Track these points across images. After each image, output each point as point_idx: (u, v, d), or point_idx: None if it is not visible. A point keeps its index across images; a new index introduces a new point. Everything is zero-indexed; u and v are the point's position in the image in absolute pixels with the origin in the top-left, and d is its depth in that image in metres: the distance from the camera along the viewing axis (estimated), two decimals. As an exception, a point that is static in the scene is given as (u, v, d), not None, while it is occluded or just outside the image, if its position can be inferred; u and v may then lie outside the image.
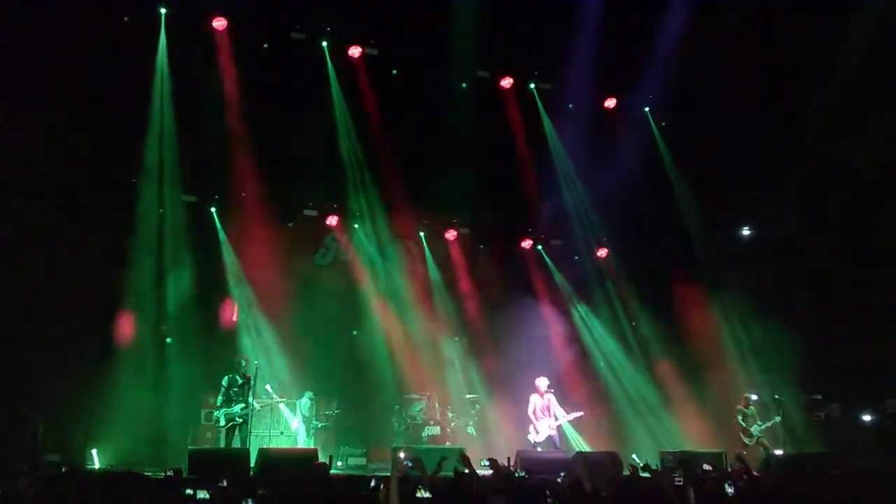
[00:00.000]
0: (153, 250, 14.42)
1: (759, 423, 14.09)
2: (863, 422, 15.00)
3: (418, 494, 5.56)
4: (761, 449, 13.99)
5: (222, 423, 12.40)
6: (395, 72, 16.30)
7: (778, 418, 14.31)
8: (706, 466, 10.93)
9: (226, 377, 12.75)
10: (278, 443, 14.21)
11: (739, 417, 14.23)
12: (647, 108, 18.12)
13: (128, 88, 14.09)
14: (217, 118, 14.53)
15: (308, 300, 15.64)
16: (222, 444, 12.43)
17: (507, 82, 17.28)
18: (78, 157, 13.20)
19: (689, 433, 16.45)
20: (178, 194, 15.02)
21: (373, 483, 6.67)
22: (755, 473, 9.73)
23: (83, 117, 13.21)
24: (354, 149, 16.21)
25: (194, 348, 14.63)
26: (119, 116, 13.82)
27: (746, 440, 14.05)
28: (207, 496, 6.53)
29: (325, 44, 15.82)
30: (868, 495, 6.41)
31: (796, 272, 16.10)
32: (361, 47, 16.00)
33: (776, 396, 14.85)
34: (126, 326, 14.06)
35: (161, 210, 14.82)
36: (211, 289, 15.13)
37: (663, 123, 18.16)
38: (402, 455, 6.37)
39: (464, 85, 16.80)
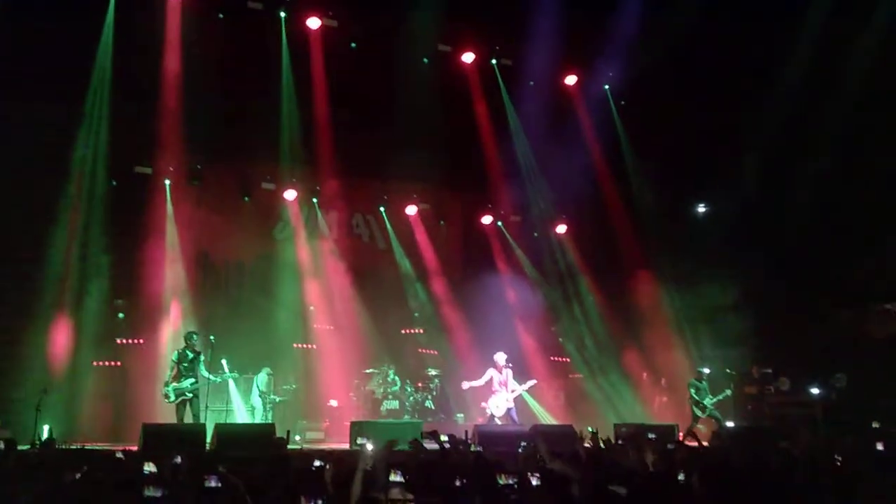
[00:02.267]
0: (101, 222, 14.09)
1: (711, 396, 14.41)
2: (811, 395, 15.42)
3: (392, 478, 5.52)
4: (713, 421, 14.32)
5: (172, 398, 12.22)
6: (353, 45, 16.04)
7: (729, 391, 14.65)
8: (650, 435, 11.13)
9: (175, 352, 12.57)
10: (234, 418, 14.12)
11: (692, 391, 14.52)
12: (606, 86, 18.20)
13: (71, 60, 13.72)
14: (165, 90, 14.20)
15: (265, 275, 15.52)
16: (174, 420, 12.27)
17: (468, 57, 17.17)
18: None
19: (644, 407, 16.81)
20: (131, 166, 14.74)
21: (316, 463, 6.58)
22: (704, 443, 9.99)
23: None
24: (310, 121, 15.92)
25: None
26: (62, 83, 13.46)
27: (699, 412, 14.36)
28: (155, 469, 6.46)
29: (283, 14, 15.49)
30: (814, 468, 6.59)
31: (750, 250, 16.43)
32: (320, 18, 15.71)
33: (727, 370, 15.20)
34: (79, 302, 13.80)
35: (113, 182, 14.52)
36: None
37: (622, 102, 18.28)
38: (369, 447, 6.31)
39: (425, 59, 16.64)
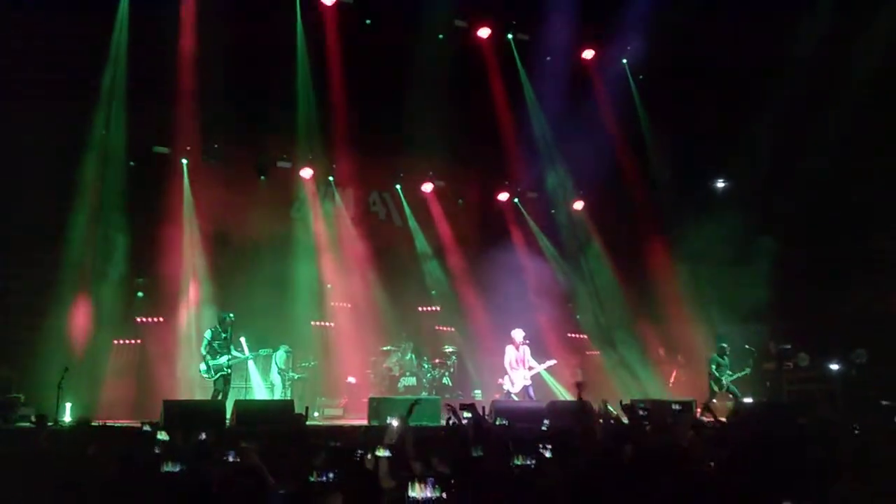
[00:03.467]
0: (120, 205, 14.20)
1: (731, 372, 14.34)
2: (830, 371, 15.32)
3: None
4: (730, 397, 14.26)
5: (211, 374, 12.61)
6: (368, 21, 15.93)
7: (749, 369, 14.57)
8: (675, 406, 11.11)
9: (209, 330, 12.90)
10: (252, 396, 14.28)
11: (713, 366, 14.45)
12: (624, 60, 17.99)
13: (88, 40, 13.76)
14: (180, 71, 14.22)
15: (282, 253, 15.59)
16: (205, 397, 12.67)
17: (484, 32, 17.01)
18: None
19: (662, 383, 16.79)
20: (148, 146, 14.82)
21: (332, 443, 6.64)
22: (722, 419, 9.95)
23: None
24: (326, 99, 15.87)
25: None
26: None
27: (716, 388, 14.32)
28: (168, 439, 6.57)
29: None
30: (834, 444, 6.55)
31: (769, 224, 16.29)
32: (336, -5, 15.60)
33: (746, 346, 15.13)
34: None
35: (131, 163, 14.61)
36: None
37: (640, 76, 18.07)
38: (395, 424, 6.35)
39: (441, 36, 16.50)
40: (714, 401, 14.09)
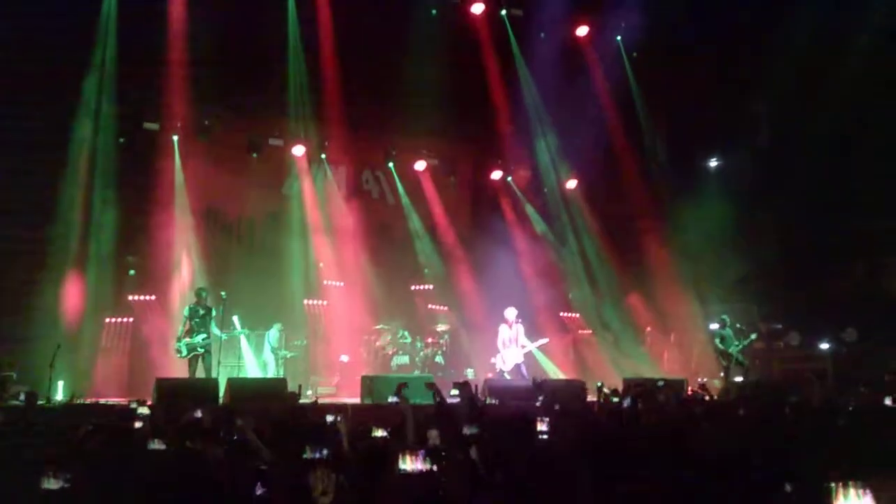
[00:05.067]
0: (111, 182, 14.07)
1: (737, 342, 14.35)
2: (821, 350, 15.40)
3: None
4: (738, 367, 14.28)
5: (184, 353, 12.29)
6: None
7: (755, 336, 14.57)
8: (659, 383, 11.14)
9: (187, 307, 12.61)
10: (245, 374, 14.26)
11: (717, 340, 14.48)
12: (619, 38, 17.87)
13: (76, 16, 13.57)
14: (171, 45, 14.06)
15: (274, 231, 15.52)
16: (186, 375, 12.37)
17: (477, 8, 16.85)
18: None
19: (654, 362, 16.86)
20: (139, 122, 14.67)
21: (329, 418, 6.64)
22: (714, 397, 10.02)
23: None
24: (318, 76, 15.72)
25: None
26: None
27: (724, 362, 14.34)
28: (147, 412, 6.57)
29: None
30: (823, 421, 6.60)
31: (762, 203, 16.29)
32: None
33: (738, 325, 15.16)
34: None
35: (121, 139, 14.46)
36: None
37: (634, 54, 17.97)
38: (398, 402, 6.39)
39: (433, 11, 16.34)
40: (720, 376, 14.16)
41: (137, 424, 7.11)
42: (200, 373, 12.30)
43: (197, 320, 12.34)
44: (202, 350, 12.32)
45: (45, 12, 12.96)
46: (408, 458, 4.55)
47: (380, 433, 5.64)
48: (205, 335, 12.34)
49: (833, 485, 3.68)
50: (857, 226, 15.73)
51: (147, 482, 4.42)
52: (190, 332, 12.32)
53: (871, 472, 3.72)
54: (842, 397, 10.20)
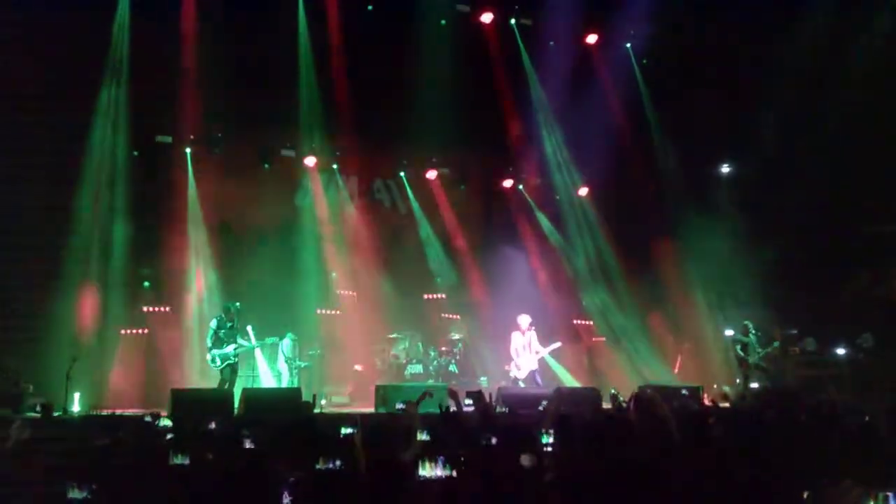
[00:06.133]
0: (124, 191, 14.19)
1: (760, 349, 14.26)
2: (837, 356, 15.28)
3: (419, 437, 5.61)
4: (762, 374, 14.16)
5: (218, 363, 12.57)
6: (370, 7, 15.83)
7: (777, 342, 14.47)
8: (683, 391, 11.08)
9: (214, 319, 12.85)
10: (259, 384, 14.31)
11: (737, 347, 14.39)
12: (628, 45, 17.87)
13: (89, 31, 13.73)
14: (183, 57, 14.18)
15: (287, 241, 15.58)
16: (212, 386, 12.61)
17: (487, 17, 16.89)
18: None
19: (668, 369, 16.78)
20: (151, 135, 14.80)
21: (345, 430, 6.64)
22: (728, 405, 9.94)
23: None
24: (329, 86, 15.80)
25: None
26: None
27: (743, 369, 14.24)
28: (171, 424, 6.59)
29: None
30: (839, 428, 6.54)
31: (774, 209, 16.22)
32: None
33: (753, 332, 15.04)
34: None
35: (135, 153, 14.58)
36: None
37: (644, 61, 17.96)
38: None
39: (443, 21, 16.40)
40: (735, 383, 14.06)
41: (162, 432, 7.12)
42: (238, 382, 12.68)
43: (224, 331, 12.65)
44: (235, 360, 12.66)
45: (60, 24, 13.11)
46: (427, 464, 4.56)
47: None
48: (235, 345, 12.68)
49: (854, 492, 3.64)
50: (869, 231, 15.65)
51: (170, 496, 4.45)
52: (219, 343, 12.58)
53: (890, 478, 3.69)
54: (858, 402, 10.11)
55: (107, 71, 14.19)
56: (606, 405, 11.16)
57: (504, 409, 10.77)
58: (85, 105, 13.97)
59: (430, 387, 11.17)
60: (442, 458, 4.63)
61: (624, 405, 8.65)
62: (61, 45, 13.18)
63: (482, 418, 7.04)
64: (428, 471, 4.55)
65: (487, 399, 9.85)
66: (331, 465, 4.97)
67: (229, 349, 12.60)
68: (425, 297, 17.44)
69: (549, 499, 4.26)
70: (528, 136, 17.68)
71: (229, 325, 12.71)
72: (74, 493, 4.46)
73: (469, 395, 8.27)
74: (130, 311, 14.41)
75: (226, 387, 12.42)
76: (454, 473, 4.61)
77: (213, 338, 12.62)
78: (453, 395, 7.49)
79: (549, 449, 5.82)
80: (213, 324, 12.78)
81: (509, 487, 4.54)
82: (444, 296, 17.57)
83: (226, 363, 12.56)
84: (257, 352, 14.22)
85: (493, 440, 5.75)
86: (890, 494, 3.63)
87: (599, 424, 5.92)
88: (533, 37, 17.29)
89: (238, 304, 13.01)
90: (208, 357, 12.71)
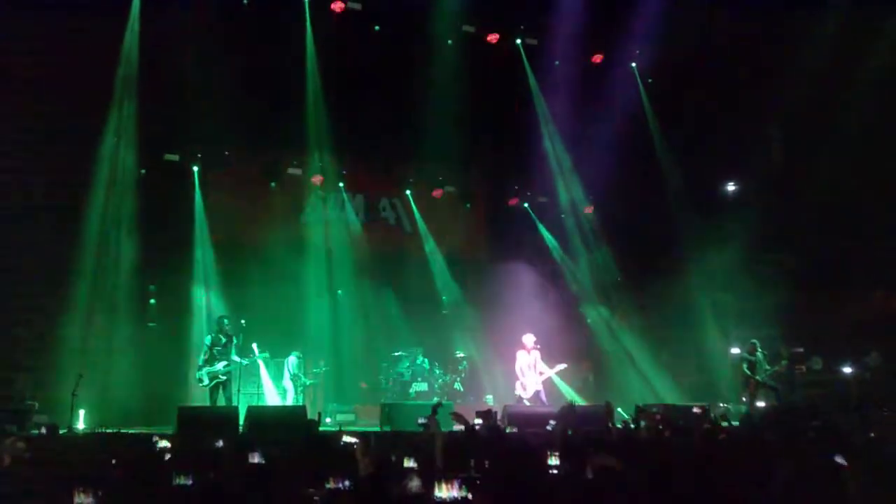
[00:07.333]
0: (132, 209, 14.27)
1: (768, 367, 14.21)
2: (844, 374, 15.21)
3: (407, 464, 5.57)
4: (770, 392, 14.10)
5: (206, 381, 12.39)
6: (377, 28, 15.97)
7: (785, 361, 14.41)
8: (695, 409, 11.03)
9: (208, 336, 12.74)
10: (264, 401, 14.27)
11: (745, 365, 14.33)
12: (633, 64, 17.96)
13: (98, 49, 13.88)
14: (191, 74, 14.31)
15: (293, 259, 15.63)
16: (207, 403, 12.46)
17: (493, 37, 17.00)
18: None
19: (675, 388, 16.70)
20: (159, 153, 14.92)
21: (346, 439, 6.62)
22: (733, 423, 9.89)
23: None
24: (336, 105, 15.91)
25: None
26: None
27: (749, 387, 14.17)
28: (168, 445, 6.60)
29: (306, -2, 15.47)
30: (847, 447, 6.50)
31: (780, 227, 16.21)
32: (343, 2, 15.61)
33: (760, 350, 14.99)
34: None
35: (142, 171, 14.70)
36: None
37: (649, 80, 18.03)
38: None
39: (449, 41, 16.52)
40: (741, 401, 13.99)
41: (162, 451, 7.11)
42: (221, 401, 12.35)
43: (218, 348, 12.43)
44: (224, 378, 12.41)
45: (69, 43, 13.28)
46: (443, 486, 4.52)
47: (410, 463, 5.59)
48: (226, 363, 12.42)
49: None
50: (876, 248, 15.60)
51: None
52: (211, 361, 12.40)
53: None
54: (866, 421, 10.06)
55: (115, 89, 14.33)
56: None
57: (513, 429, 10.77)
58: (94, 123, 14.11)
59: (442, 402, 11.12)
60: (459, 480, 4.58)
61: (632, 425, 8.64)
62: (69, 59, 13.35)
63: (490, 439, 7.01)
64: (444, 493, 4.51)
65: (495, 419, 9.86)
66: (340, 486, 4.95)
67: (219, 366, 12.36)
68: (430, 314, 17.42)
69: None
70: (533, 154, 17.73)
71: (223, 340, 12.47)
72: (80, 499, 4.47)
73: (479, 414, 8.26)
74: (137, 328, 14.44)
75: (210, 404, 12.23)
76: (469, 496, 4.55)
77: (207, 354, 12.42)
78: (459, 418, 7.38)
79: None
80: (207, 340, 12.61)
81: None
82: (448, 313, 17.56)
83: (213, 381, 12.32)
84: (262, 369, 14.20)
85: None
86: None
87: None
88: (538, 56, 17.38)
89: (228, 320, 12.86)
90: (197, 375, 12.51)
